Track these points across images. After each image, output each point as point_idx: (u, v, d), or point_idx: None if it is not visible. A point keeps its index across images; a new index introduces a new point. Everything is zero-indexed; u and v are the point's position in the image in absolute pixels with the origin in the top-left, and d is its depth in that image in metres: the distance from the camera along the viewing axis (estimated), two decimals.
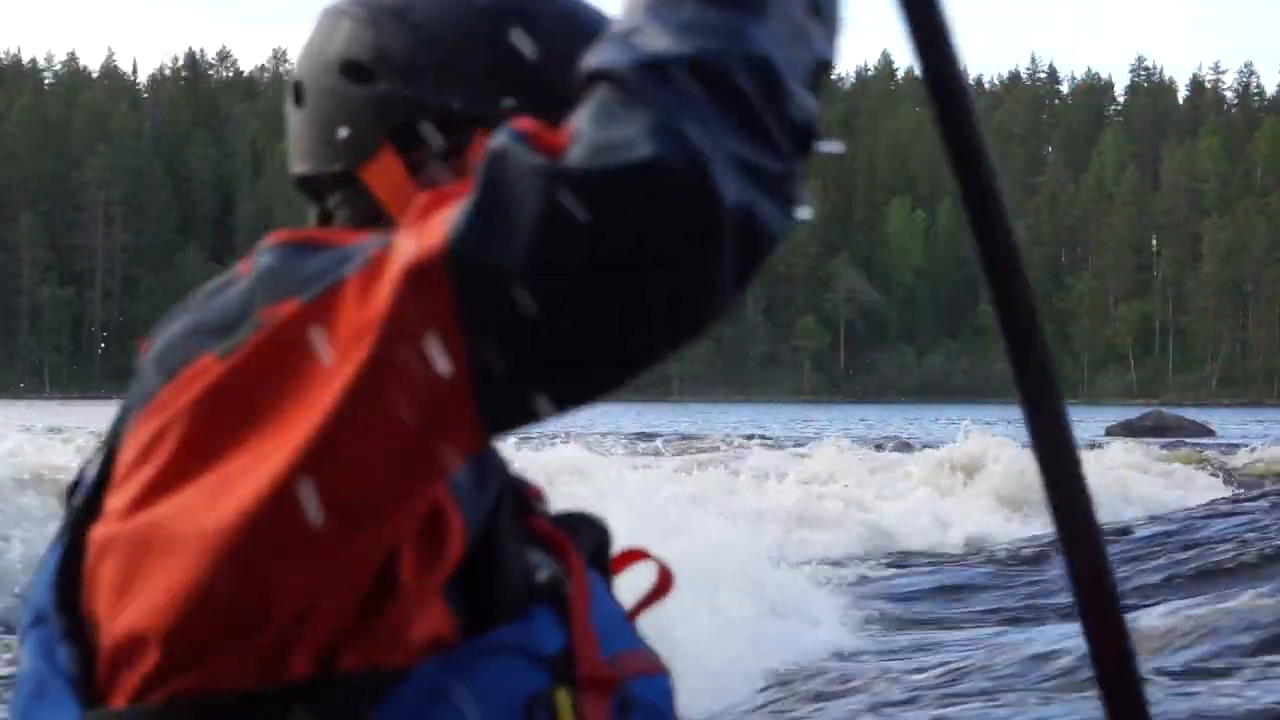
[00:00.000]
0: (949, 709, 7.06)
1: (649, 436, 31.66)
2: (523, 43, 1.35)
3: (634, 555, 1.42)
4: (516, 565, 1.25)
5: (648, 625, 1.38)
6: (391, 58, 1.35)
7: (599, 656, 1.26)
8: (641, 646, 1.33)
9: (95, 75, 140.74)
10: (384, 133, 1.35)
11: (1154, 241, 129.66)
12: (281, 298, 1.13)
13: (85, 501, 1.25)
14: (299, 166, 1.41)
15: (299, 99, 1.41)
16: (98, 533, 1.20)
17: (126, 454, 1.19)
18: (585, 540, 1.35)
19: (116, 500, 1.19)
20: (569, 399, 1.07)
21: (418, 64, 1.35)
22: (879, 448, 25.67)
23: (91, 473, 1.26)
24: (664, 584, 1.41)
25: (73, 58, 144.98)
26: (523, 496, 1.32)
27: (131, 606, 1.17)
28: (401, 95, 1.35)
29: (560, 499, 1.41)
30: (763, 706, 7.70)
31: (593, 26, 1.37)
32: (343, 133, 1.36)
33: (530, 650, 1.23)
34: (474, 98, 1.34)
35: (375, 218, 1.35)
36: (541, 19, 1.37)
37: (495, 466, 1.26)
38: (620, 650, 1.30)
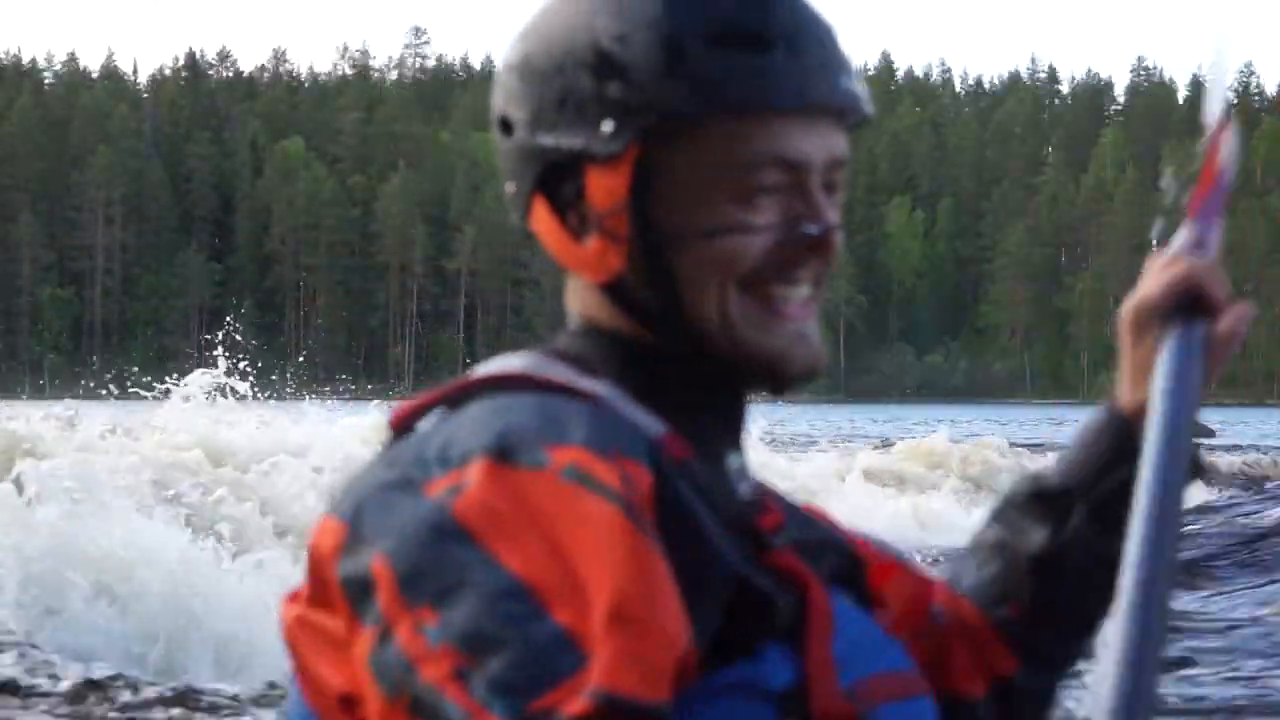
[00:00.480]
0: None
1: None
2: (614, 59, 1.31)
3: (893, 568, 1.40)
4: (748, 605, 1.23)
5: None
6: (521, 106, 1.34)
7: (836, 689, 1.24)
8: (899, 668, 1.31)
9: (95, 75, 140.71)
10: (532, 183, 1.34)
11: (1154, 242, 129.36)
12: (399, 594, 1.17)
13: None
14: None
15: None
16: (284, 608, 1.30)
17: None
18: (827, 563, 1.32)
19: (300, 587, 1.28)
20: None
21: (538, 108, 1.33)
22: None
23: None
24: (925, 594, 1.41)
25: (73, 58, 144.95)
26: (757, 533, 1.29)
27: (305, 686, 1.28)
28: (532, 145, 1.33)
29: None
30: None
31: (694, 25, 1.31)
32: (510, 188, 1.37)
33: (757, 687, 1.21)
34: (580, 131, 1.31)
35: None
36: (635, 32, 1.32)
37: (713, 555, 1.23)
38: (868, 675, 1.28)
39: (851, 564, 1.36)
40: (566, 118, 1.32)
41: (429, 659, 1.13)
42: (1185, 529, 13.54)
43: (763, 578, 1.25)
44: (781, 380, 1.32)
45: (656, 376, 1.32)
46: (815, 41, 1.32)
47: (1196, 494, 18.97)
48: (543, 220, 1.34)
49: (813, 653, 1.23)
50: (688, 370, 1.33)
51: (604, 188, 1.31)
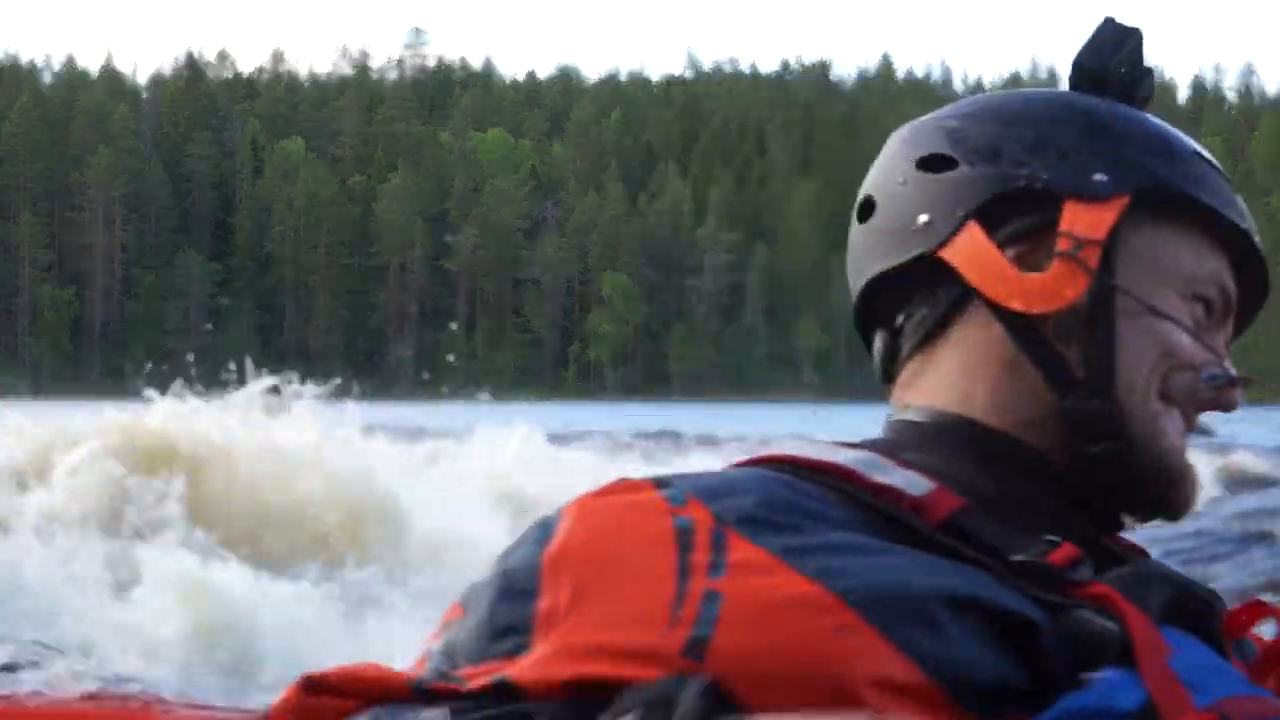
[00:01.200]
0: None
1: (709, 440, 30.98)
2: (1105, 122, 1.34)
3: (1259, 609, 1.28)
4: (1054, 642, 1.16)
5: None
6: (971, 143, 1.34)
7: (1190, 705, 1.15)
8: (1259, 694, 1.20)
9: (95, 76, 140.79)
10: (967, 211, 1.33)
11: None
12: None
13: None
14: (868, 273, 1.39)
15: (867, 214, 1.40)
16: None
17: None
18: (1155, 594, 1.22)
19: None
20: None
21: (1000, 145, 1.33)
22: None
23: None
24: None
25: (72, 59, 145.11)
26: (1049, 574, 1.20)
27: None
28: (985, 174, 1.33)
29: None
30: None
31: (1170, 151, 1.35)
32: (923, 219, 1.34)
33: (1108, 710, 1.14)
34: (1063, 170, 1.31)
35: (956, 307, 1.33)
36: (1121, 111, 1.36)
37: (986, 601, 1.15)
38: (1226, 696, 1.17)
39: (1195, 601, 1.24)
40: (1043, 159, 1.31)
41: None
42: (1186, 527, 13.56)
43: (1069, 610, 1.18)
44: (1167, 501, 1.28)
45: (984, 454, 1.29)
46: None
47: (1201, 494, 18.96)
48: (975, 247, 1.31)
49: (1148, 671, 1.16)
50: (1038, 460, 1.29)
51: (1088, 220, 1.30)
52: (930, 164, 1.35)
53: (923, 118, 1.41)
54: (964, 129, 1.35)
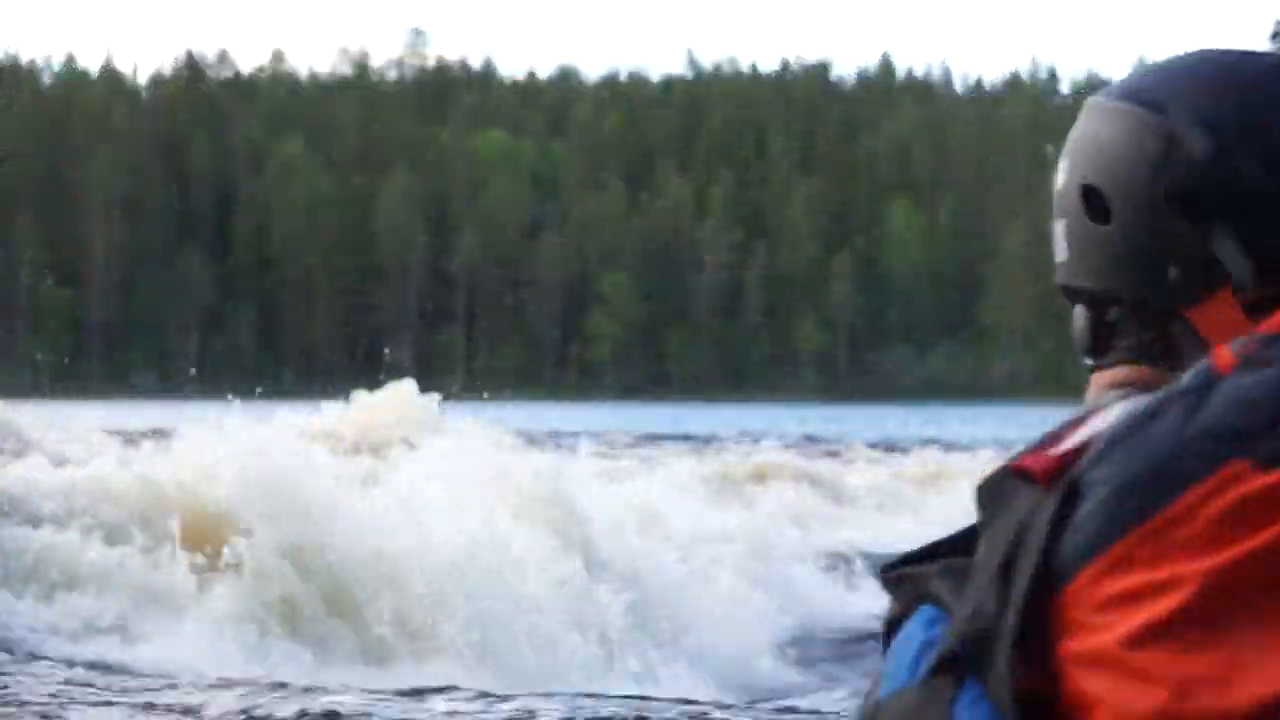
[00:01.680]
0: None
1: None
2: None
3: None
4: None
5: None
6: (1239, 193, 1.23)
7: None
8: None
9: (95, 76, 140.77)
10: (1222, 279, 1.24)
11: None
12: None
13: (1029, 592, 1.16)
14: (1085, 280, 1.35)
15: (1099, 212, 1.32)
16: (1077, 643, 1.14)
17: (1105, 563, 1.13)
18: None
19: (1099, 617, 1.13)
20: None
21: (1262, 195, 1.23)
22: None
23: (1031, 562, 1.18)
24: None
25: (72, 59, 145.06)
26: None
27: None
28: (1249, 239, 1.23)
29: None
30: None
31: None
32: (1173, 273, 1.26)
33: None
34: None
35: (1171, 350, 1.28)
36: None
37: None
38: None
39: None
40: None
41: None
42: None
43: None
44: None
45: None
46: None
47: None
48: (1226, 319, 1.25)
49: None
50: None
51: None
52: (1183, 203, 1.25)
53: (1152, 98, 1.27)
54: (1229, 169, 1.23)
